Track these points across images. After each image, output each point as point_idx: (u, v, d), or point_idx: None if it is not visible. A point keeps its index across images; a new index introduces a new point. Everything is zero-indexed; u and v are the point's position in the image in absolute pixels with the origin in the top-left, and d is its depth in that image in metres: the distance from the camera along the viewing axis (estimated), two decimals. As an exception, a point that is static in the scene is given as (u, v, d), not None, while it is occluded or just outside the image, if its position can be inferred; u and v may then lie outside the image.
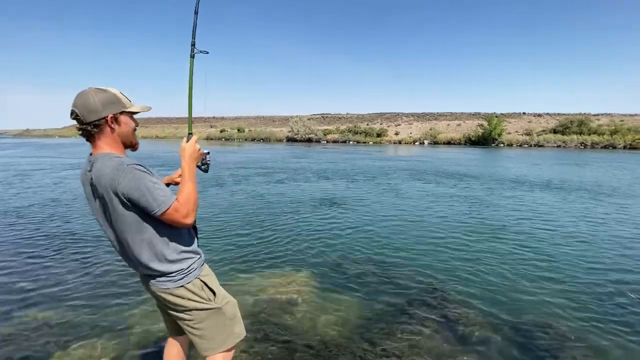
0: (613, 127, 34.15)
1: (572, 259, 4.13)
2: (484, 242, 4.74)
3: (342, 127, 50.36)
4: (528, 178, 11.41)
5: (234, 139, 48.96)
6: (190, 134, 1.56)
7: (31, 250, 4.30)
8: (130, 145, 1.41)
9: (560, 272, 3.74)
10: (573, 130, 35.69)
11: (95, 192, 1.29)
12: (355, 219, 5.99)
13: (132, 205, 1.26)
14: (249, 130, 53.36)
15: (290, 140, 44.57)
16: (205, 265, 1.55)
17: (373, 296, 3.19)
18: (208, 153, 1.62)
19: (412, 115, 60.43)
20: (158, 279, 1.39)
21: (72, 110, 1.26)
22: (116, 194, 1.24)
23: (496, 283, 3.47)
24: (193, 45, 1.63)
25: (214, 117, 79.99)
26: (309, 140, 43.83)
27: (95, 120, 1.27)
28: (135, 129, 1.40)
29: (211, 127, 63.94)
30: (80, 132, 1.30)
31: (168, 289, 1.39)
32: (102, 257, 4.05)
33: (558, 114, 48.33)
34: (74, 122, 1.30)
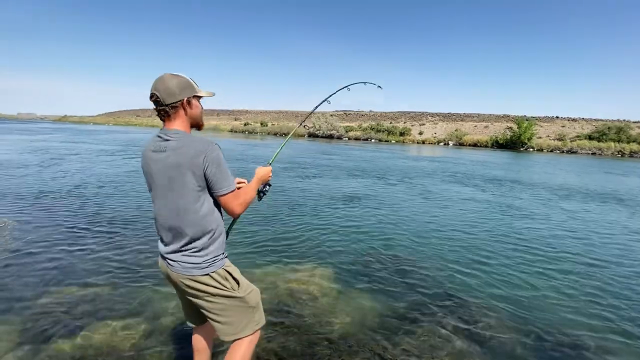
0: (656, 136, 31.96)
1: (599, 270, 3.96)
2: (509, 248, 4.63)
3: (365, 125, 49.92)
4: (559, 185, 10.94)
5: (257, 132, 49.66)
6: (270, 163, 1.86)
7: (68, 230, 4.60)
8: (197, 125, 1.54)
9: (586, 283, 3.60)
10: (610, 137, 33.72)
11: (168, 160, 1.38)
12: (377, 217, 5.99)
13: (205, 178, 1.40)
14: (272, 124, 53.91)
15: (312, 135, 44.68)
16: (227, 258, 1.61)
17: (394, 294, 3.21)
18: (270, 185, 1.80)
19: (438, 115, 59.00)
20: (184, 265, 1.45)
21: (152, 93, 1.40)
22: (199, 164, 1.36)
23: (518, 288, 3.40)
24: (302, 123, 2.27)
25: (238, 109, 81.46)
26: (331, 137, 43.78)
27: (173, 102, 1.40)
28: (202, 111, 1.54)
29: (235, 119, 65.16)
30: (158, 112, 1.44)
31: (193, 275, 1.45)
32: (135, 239, 4.28)
33: (594, 119, 45.78)
34: (152, 103, 1.43)
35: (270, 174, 1.75)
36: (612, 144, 32.53)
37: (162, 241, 1.52)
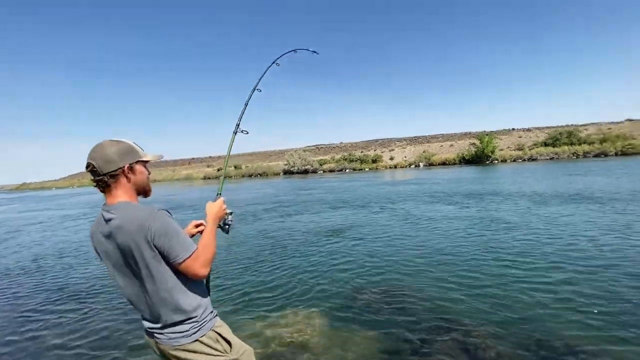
0: (602, 136, 34.88)
1: (589, 277, 4.05)
2: (496, 263, 4.66)
3: (337, 156, 51.01)
4: (528, 192, 11.45)
5: (231, 176, 49.23)
6: (219, 194, 1.68)
7: (32, 307, 4.15)
8: (144, 192, 1.43)
9: (579, 293, 3.65)
10: (563, 142, 36.38)
11: (115, 241, 1.28)
12: (361, 248, 5.91)
13: (158, 251, 1.28)
14: (246, 166, 53.86)
15: (287, 172, 44.88)
16: (218, 317, 1.51)
17: (389, 328, 3.07)
18: (231, 213, 1.66)
19: (405, 139, 61.63)
20: (169, 335, 1.35)
21: (88, 162, 1.29)
22: (145, 239, 1.25)
23: (511, 305, 3.37)
24: (238, 125, 1.94)
25: (210, 156, 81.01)
26: (306, 172, 44.17)
27: (112, 171, 1.30)
28: (148, 177, 1.43)
29: (208, 166, 64.54)
30: (96, 183, 1.32)
31: (182, 345, 1.35)
32: (105, 313, 3.91)
33: (546, 127, 49.54)
34: (89, 174, 1.32)
35: (224, 205, 1.61)
36: (566, 147, 35.04)
37: (144, 319, 1.41)
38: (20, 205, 24.34)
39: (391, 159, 47.61)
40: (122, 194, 1.33)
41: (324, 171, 44.69)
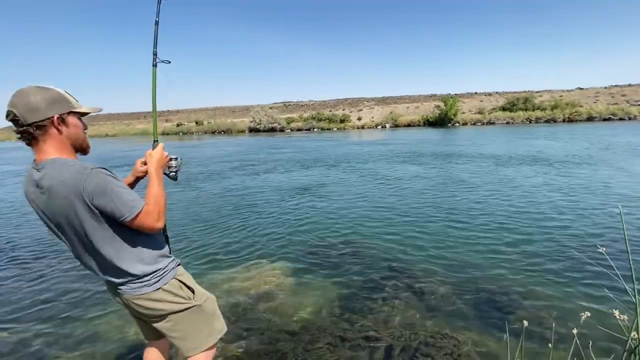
0: (553, 103, 37.18)
1: (527, 226, 4.56)
2: (445, 217, 5.07)
3: (306, 115, 50.09)
4: (481, 153, 12.20)
5: (192, 133, 46.96)
6: (155, 141, 1.54)
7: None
8: (81, 149, 1.30)
9: (518, 240, 4.12)
10: (519, 107, 38.39)
11: (50, 202, 1.17)
12: (324, 205, 6.10)
13: (99, 211, 1.19)
14: (208, 122, 51.37)
15: (253, 130, 43.59)
16: (180, 265, 1.51)
17: (347, 277, 3.32)
18: (176, 159, 1.55)
19: (373, 99, 61.52)
20: (131, 285, 1.33)
21: (9, 111, 1.13)
22: (82, 201, 1.16)
23: (457, 253, 3.76)
24: (155, 55, 1.60)
25: (168, 110, 75.87)
26: (273, 130, 43.18)
27: (38, 121, 1.14)
28: (85, 131, 1.30)
29: (166, 121, 60.65)
30: (19, 135, 1.16)
31: (144, 294, 1.34)
32: (57, 265, 3.80)
33: (506, 92, 51.65)
34: (10, 124, 1.16)
35: (164, 152, 1.47)
36: (521, 112, 37.10)
37: (99, 275, 1.36)
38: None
39: (359, 119, 47.70)
40: (53, 150, 1.20)
41: (291, 130, 43.95)
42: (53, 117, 1.17)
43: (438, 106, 41.38)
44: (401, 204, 5.93)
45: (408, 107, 50.93)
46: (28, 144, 1.20)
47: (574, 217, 4.80)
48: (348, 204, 6.11)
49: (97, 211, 1.19)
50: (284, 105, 66.40)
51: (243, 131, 44.39)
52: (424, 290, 3.03)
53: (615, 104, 35.33)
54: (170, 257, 1.46)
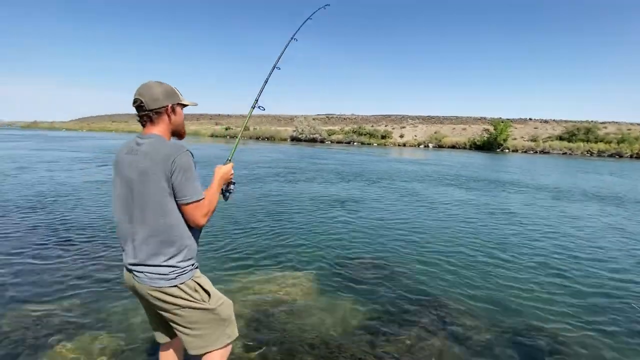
0: (620, 136, 33.80)
1: (574, 267, 4.12)
2: (488, 249, 4.74)
3: (347, 128, 50.31)
4: (535, 184, 11.36)
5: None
6: (229, 160, 1.75)
7: (35, 242, 4.37)
8: (179, 134, 1.55)
9: (563, 279, 3.74)
10: (580, 138, 35.39)
11: (137, 163, 1.36)
12: (359, 220, 6.01)
13: (172, 184, 1.35)
14: (254, 128, 53.51)
15: (295, 139, 44.60)
16: (198, 269, 1.55)
17: (374, 298, 3.21)
18: (234, 183, 1.73)
19: (418, 118, 60.28)
20: (150, 275, 1.38)
21: (136, 98, 1.41)
22: (166, 168, 1.33)
23: (496, 289, 3.48)
24: (256, 101, 2.04)
25: (219, 114, 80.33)
26: (314, 140, 43.84)
27: (157, 108, 1.42)
28: (183, 120, 1.56)
29: (217, 124, 64.21)
30: (140, 118, 1.45)
31: (161, 287, 1.39)
32: (104, 251, 4.11)
33: (565, 120, 47.98)
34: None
35: (232, 172, 1.67)
36: (582, 144, 34.14)
37: (127, 252, 1.44)
38: (32, 143, 24.72)
39: (401, 136, 46.89)
40: (160, 130, 1.45)
41: (331, 142, 44.33)
42: (168, 105, 1.44)
43: (487, 130, 39.45)
44: (441, 230, 5.66)
45: (454, 128, 49.16)
46: (143, 125, 1.47)
47: (637, 266, 4.25)
48: (385, 223, 5.96)
49: (169, 183, 1.35)
50: (327, 117, 67.33)
51: (285, 139, 45.58)
52: (454, 324, 2.83)
53: (697, 142, 31.26)
54: (193, 259, 1.50)
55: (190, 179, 1.37)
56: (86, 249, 4.20)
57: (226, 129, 55.21)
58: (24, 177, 9.50)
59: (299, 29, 2.43)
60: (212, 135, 51.55)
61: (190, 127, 62.23)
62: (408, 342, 2.55)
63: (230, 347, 1.61)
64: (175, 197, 1.38)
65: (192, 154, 1.42)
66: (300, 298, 3.16)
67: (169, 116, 1.46)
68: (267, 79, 2.11)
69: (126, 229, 1.42)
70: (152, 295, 1.41)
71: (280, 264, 3.95)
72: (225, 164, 1.68)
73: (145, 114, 1.42)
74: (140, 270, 1.40)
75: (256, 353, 2.35)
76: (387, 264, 4.08)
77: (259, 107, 2.05)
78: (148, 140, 1.40)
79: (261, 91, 2.07)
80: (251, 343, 2.45)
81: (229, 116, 76.34)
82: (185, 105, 1.55)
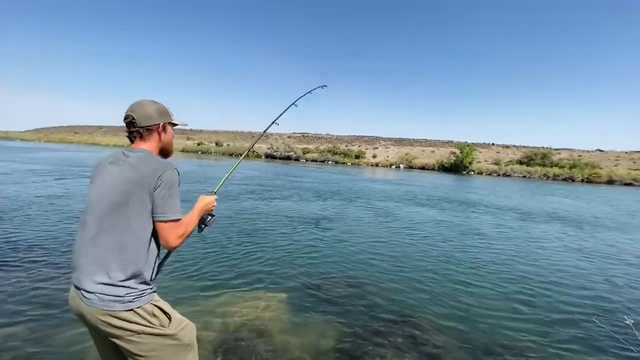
0: (572, 162, 36.74)
1: (541, 285, 4.30)
2: (459, 267, 4.85)
3: (322, 147, 50.93)
4: (500, 205, 11.94)
5: (211, 152, 48.14)
6: (214, 192, 1.76)
7: (-20, 262, 3.92)
8: (166, 152, 1.56)
9: (530, 297, 3.87)
10: (537, 162, 38.06)
11: (122, 170, 1.34)
12: (332, 239, 5.97)
13: (154, 199, 1.32)
14: (227, 144, 52.75)
15: (269, 156, 44.41)
16: (155, 293, 1.45)
17: (347, 318, 3.15)
18: (214, 216, 1.71)
19: (390, 139, 62.42)
20: (102, 297, 1.26)
21: (127, 114, 1.43)
22: (151, 182, 1.32)
23: (467, 307, 3.54)
24: (250, 149, 2.22)
25: (191, 129, 78.65)
26: (288, 158, 43.87)
27: (149, 126, 1.44)
28: (172, 139, 1.59)
29: (188, 139, 62.69)
30: (130, 133, 1.46)
31: (114, 310, 1.27)
32: (50, 275, 3.76)
33: (523, 146, 51.57)
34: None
35: (214, 204, 1.67)
36: (539, 168, 36.70)
37: (80, 267, 1.31)
38: (-20, 153, 22.71)
39: (374, 156, 48.11)
40: (148, 146, 1.46)
41: (306, 160, 44.55)
42: (160, 124, 1.48)
43: (454, 152, 41.48)
44: (414, 248, 5.74)
45: (424, 151, 51.22)
46: (131, 141, 1.47)
47: (597, 284, 4.51)
48: (358, 241, 5.96)
49: (151, 197, 1.32)
50: (302, 135, 67.98)
51: (260, 156, 45.25)
52: (426, 343, 2.82)
53: (637, 169, 34.58)
54: (150, 285, 1.40)
55: (173, 197, 1.36)
56: (34, 270, 3.82)
57: (198, 144, 53.99)
58: (-32, 189, 8.63)
59: (298, 98, 2.52)
60: (183, 150, 50.13)
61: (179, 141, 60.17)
62: (383, 363, 2.49)
63: None
64: (153, 213, 1.34)
65: (178, 172, 1.43)
66: (272, 319, 3.02)
67: (159, 134, 1.48)
68: (265, 131, 2.28)
69: (89, 238, 1.31)
70: (102, 320, 1.27)
71: (250, 284, 3.80)
72: (209, 194, 1.68)
73: (136, 130, 1.43)
74: (92, 290, 1.26)
75: (224, 381, 2.19)
76: (360, 282, 4.04)
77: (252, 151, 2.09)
78: (137, 154, 1.40)
79: (256, 141, 2.37)
80: (219, 370, 2.28)
81: (200, 131, 74.91)
82: (175, 125, 1.57)
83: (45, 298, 3.14)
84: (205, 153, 48.34)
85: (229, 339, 2.66)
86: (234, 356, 2.45)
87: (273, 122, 2.30)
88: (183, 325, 1.45)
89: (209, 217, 1.67)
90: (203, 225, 1.66)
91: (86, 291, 1.27)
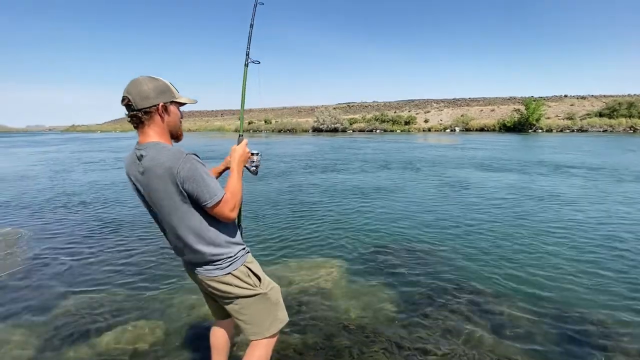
0: (669, 108, 31.03)
1: (619, 252, 3.88)
2: (524, 235, 4.56)
3: (369, 116, 49.54)
4: (569, 165, 10.71)
5: (261, 131, 49.73)
6: (240, 135, 1.63)
7: (82, 237, 4.68)
8: (176, 136, 1.42)
9: (605, 266, 3.53)
10: (621, 114, 32.83)
11: (147, 180, 1.31)
12: (389, 208, 5.96)
13: (187, 193, 1.30)
14: (276, 121, 53.89)
15: (316, 130, 44.55)
16: (249, 253, 1.59)
17: (407, 284, 3.19)
18: (258, 154, 1.62)
19: (443, 101, 58.26)
20: (205, 267, 1.43)
21: (124, 96, 1.27)
22: (174, 183, 1.27)
23: (531, 273, 3.34)
24: (247, 55, 1.73)
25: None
26: (335, 130, 43.60)
27: (147, 107, 1.28)
28: (181, 120, 1.42)
29: (238, 119, 65.24)
30: (130, 119, 1.32)
31: (216, 276, 1.44)
32: (146, 243, 4.33)
33: (604, 96, 44.62)
34: (124, 109, 1.31)
35: (247, 148, 1.57)
36: (624, 120, 31.70)
37: (183, 260, 1.54)
38: (73, 146, 26.34)
39: (426, 121, 45.58)
40: (154, 134, 1.33)
41: (353, 130, 43.86)
42: (159, 104, 1.30)
43: (517, 110, 37.49)
44: (475, 215, 5.50)
45: (482, 110, 47.09)
46: (135, 127, 1.34)
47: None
48: (413, 208, 5.87)
49: (185, 194, 1.30)
50: (348, 105, 66.59)
51: (307, 130, 45.63)
52: (491, 309, 2.75)
53: None
54: (242, 244, 1.54)
55: (202, 184, 1.28)
56: (130, 240, 4.45)
57: (249, 123, 56.04)
58: (70, 177, 10.17)
59: None
60: (235, 130, 52.54)
61: (214, 123, 63.69)
62: (443, 327, 2.52)
63: (277, 335, 1.65)
64: (197, 203, 1.34)
65: (194, 154, 1.31)
66: (333, 283, 3.19)
67: (161, 116, 1.32)
68: (252, 21, 1.80)
69: (169, 240, 1.49)
70: (208, 284, 1.48)
71: (311, 251, 4.01)
72: (239, 142, 1.58)
73: (134, 114, 1.28)
74: (195, 265, 1.48)
75: (295, 338, 2.42)
76: (419, 250, 4.02)
77: (253, 61, 1.75)
78: (146, 153, 1.30)
79: (250, 38, 1.75)
80: (290, 327, 2.51)
81: (250, 110, 77.31)
82: (182, 104, 1.41)
83: (140, 266, 3.68)
84: (256, 131, 50.13)
85: (295, 303, 2.88)
86: (302, 317, 2.66)
87: (257, 4, 1.82)
88: (272, 286, 1.61)
89: (254, 157, 1.60)
90: (254, 168, 1.62)
91: (190, 264, 1.50)
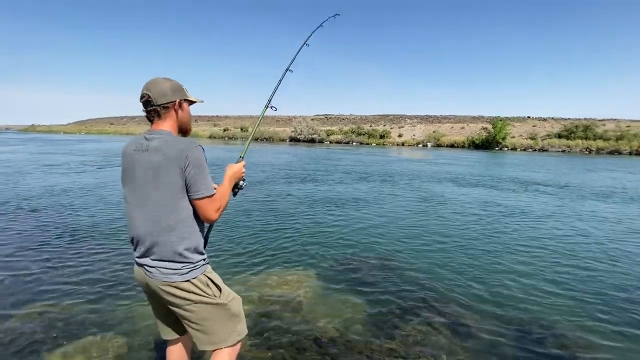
0: (619, 133, 33.92)
1: (578, 263, 4.13)
2: (491, 246, 4.75)
3: (345, 128, 50.35)
4: (536, 182, 11.38)
5: (237, 138, 49.07)
6: (241, 157, 1.78)
7: (40, 244, 4.35)
8: (184, 131, 1.56)
9: (568, 277, 3.74)
10: (578, 135, 35.50)
11: (150, 158, 1.37)
12: (362, 219, 6.01)
13: (185, 178, 1.36)
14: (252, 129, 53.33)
15: (293, 140, 44.60)
16: (209, 265, 1.56)
17: (378, 296, 3.21)
18: (244, 180, 1.75)
19: (416, 117, 60.41)
20: (162, 270, 1.39)
21: (144, 93, 1.42)
22: (180, 165, 1.35)
23: (501, 286, 3.48)
24: (269, 101, 2.07)
25: (217, 115, 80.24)
26: (312, 141, 43.86)
27: (165, 103, 1.44)
28: (190, 117, 1.58)
29: (214, 125, 64.13)
30: (148, 113, 1.47)
31: (174, 282, 1.39)
32: (105, 253, 4.09)
33: (563, 118, 48.15)
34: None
35: (243, 170, 1.68)
36: (580, 141, 34.25)
37: (138, 248, 1.45)
38: (32, 147, 24.63)
39: (400, 135, 46.96)
40: (168, 125, 1.47)
41: (330, 142, 44.34)
42: (175, 101, 1.46)
43: (485, 128, 39.54)
44: (446, 228, 5.66)
45: (452, 127, 49.23)
46: (150, 120, 1.48)
47: (641, 261, 4.26)
48: (388, 221, 5.96)
49: (183, 177, 1.36)
50: (326, 117, 67.40)
51: (284, 140, 45.57)
52: (461, 321, 2.83)
53: (695, 139, 31.40)
54: (203, 255, 1.51)
55: (203, 174, 1.38)
56: (88, 249, 4.18)
57: (224, 130, 55.13)
58: (25, 180, 9.47)
59: (310, 35, 2.43)
60: (210, 137, 51.48)
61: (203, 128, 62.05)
62: (414, 338, 2.55)
63: (239, 345, 1.61)
64: (187, 192, 1.39)
65: (203, 149, 1.43)
66: (306, 296, 3.15)
67: (176, 112, 1.48)
68: (280, 80, 2.13)
69: (138, 225, 1.42)
70: (164, 291, 1.42)
71: (285, 263, 3.95)
72: (237, 161, 1.70)
73: (153, 109, 1.43)
74: (153, 265, 1.41)
75: (264, 351, 2.35)
76: (390, 262, 4.07)
77: (271, 107, 2.08)
78: (159, 136, 1.41)
79: (274, 92, 2.11)
80: (258, 341, 2.45)
81: (226, 117, 76.29)
82: (192, 102, 1.56)
83: (101, 274, 3.45)
84: (231, 138, 49.36)
85: (266, 314, 2.81)
86: (272, 329, 2.59)
87: (287, 70, 2.16)
88: (232, 297, 1.58)
89: (242, 182, 1.71)
90: (237, 190, 1.71)
91: (148, 266, 1.42)
